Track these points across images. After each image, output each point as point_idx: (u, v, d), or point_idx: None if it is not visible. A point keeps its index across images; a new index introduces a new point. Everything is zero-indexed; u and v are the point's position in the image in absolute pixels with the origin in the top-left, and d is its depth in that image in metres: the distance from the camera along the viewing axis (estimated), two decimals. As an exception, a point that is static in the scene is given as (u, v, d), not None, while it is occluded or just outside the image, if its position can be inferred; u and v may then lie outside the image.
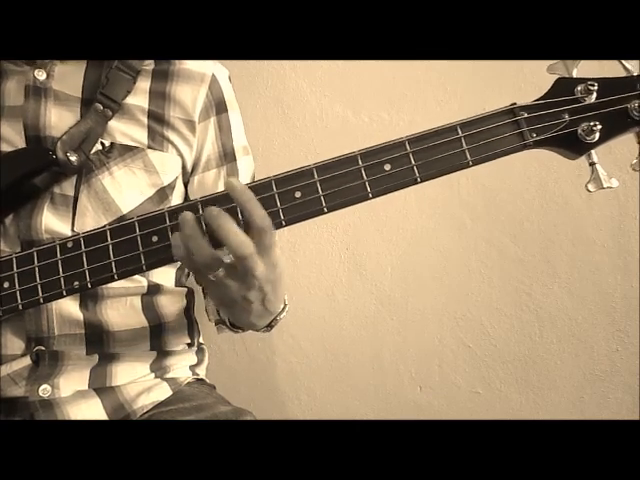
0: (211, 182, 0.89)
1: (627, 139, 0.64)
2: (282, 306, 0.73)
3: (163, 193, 0.84)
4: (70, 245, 0.66)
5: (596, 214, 1.19)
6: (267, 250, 0.60)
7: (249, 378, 1.31)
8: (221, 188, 0.87)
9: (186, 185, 0.89)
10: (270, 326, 0.74)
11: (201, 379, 0.93)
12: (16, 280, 0.68)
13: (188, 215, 0.60)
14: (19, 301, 0.67)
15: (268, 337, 1.28)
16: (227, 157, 0.90)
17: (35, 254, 0.67)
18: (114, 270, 0.65)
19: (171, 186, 0.85)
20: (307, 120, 1.25)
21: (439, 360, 1.26)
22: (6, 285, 0.68)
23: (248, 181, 0.91)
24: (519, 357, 1.24)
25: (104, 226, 0.66)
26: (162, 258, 0.64)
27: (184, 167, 0.87)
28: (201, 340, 0.97)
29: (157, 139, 0.83)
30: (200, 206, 0.64)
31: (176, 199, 0.87)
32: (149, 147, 0.82)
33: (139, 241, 0.65)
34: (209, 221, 0.60)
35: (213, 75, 0.87)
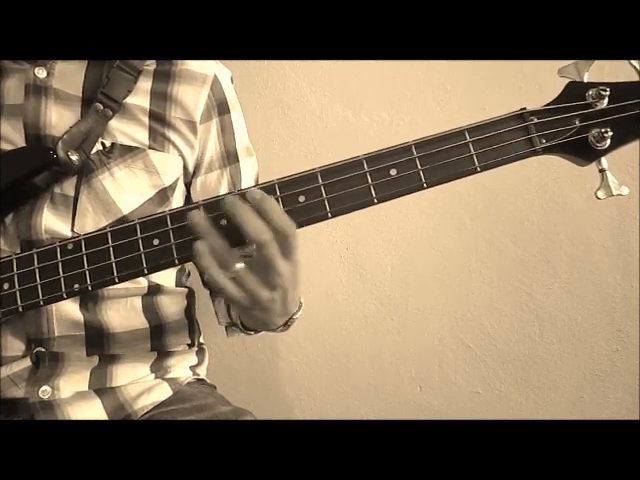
0: (214, 184, 0.88)
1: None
2: (298, 305, 0.73)
3: (164, 194, 0.84)
4: (70, 247, 0.66)
5: (596, 214, 1.19)
6: (291, 250, 0.60)
7: (249, 378, 1.31)
8: (224, 189, 0.88)
9: (187, 187, 0.89)
10: (286, 325, 0.74)
11: (201, 379, 0.93)
12: (16, 281, 0.67)
13: (194, 213, 0.61)
14: (19, 303, 0.67)
15: (268, 337, 1.27)
16: (230, 158, 0.89)
17: (35, 255, 0.67)
18: (115, 273, 0.65)
19: (172, 187, 0.85)
20: (307, 120, 1.25)
21: (439, 360, 1.26)
22: (6, 286, 0.67)
23: (252, 182, 0.91)
24: (519, 357, 1.24)
25: (105, 228, 0.66)
26: (163, 262, 0.64)
27: (185, 168, 0.86)
28: (201, 340, 0.97)
29: (158, 139, 0.82)
30: (202, 209, 0.63)
31: (177, 200, 0.87)
32: (150, 147, 0.82)
33: (140, 244, 0.64)
34: (227, 208, 0.60)
35: (215, 76, 0.87)
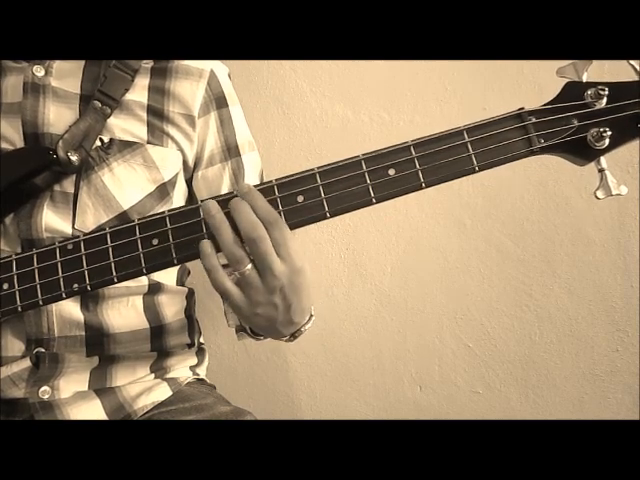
0: (216, 177, 0.88)
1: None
2: (308, 317, 0.70)
3: (164, 189, 0.84)
4: (70, 247, 0.66)
5: (596, 214, 1.19)
6: (280, 246, 0.60)
7: (249, 378, 1.31)
8: (226, 184, 0.88)
9: (189, 182, 0.89)
10: (294, 336, 0.71)
11: (201, 379, 0.93)
12: (15, 282, 0.67)
13: (210, 204, 0.61)
14: (18, 303, 0.67)
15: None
16: (231, 152, 0.89)
17: (35, 256, 0.67)
18: (114, 273, 0.65)
19: (172, 182, 0.85)
20: (307, 120, 1.25)
21: (439, 360, 1.26)
22: (5, 286, 0.68)
23: (255, 178, 0.91)
24: (519, 357, 1.24)
25: (104, 228, 0.66)
26: (163, 262, 0.64)
27: (185, 162, 0.86)
28: (201, 340, 0.97)
29: (157, 134, 0.83)
30: (201, 209, 0.63)
31: (178, 196, 0.87)
32: (149, 142, 0.82)
33: (139, 244, 0.64)
34: (231, 205, 0.61)
35: (212, 71, 0.87)
